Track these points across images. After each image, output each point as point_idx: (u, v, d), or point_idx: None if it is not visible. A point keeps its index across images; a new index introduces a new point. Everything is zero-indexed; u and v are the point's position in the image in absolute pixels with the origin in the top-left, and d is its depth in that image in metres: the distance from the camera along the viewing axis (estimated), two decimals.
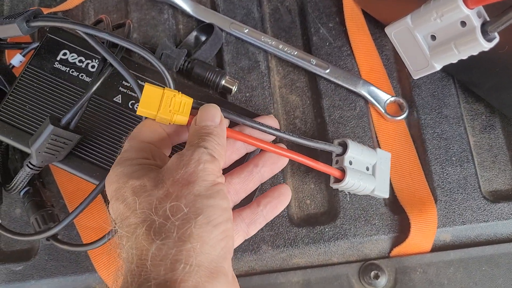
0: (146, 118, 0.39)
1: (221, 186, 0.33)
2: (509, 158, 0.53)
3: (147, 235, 0.29)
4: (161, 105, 0.36)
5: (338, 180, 0.45)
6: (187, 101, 0.37)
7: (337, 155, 0.47)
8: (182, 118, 0.37)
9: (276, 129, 0.43)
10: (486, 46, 0.34)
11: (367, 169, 0.47)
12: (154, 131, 0.38)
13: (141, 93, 0.43)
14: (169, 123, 0.37)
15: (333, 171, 0.45)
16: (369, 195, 0.50)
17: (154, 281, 0.28)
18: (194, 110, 0.38)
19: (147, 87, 0.36)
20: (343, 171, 0.45)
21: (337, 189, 0.51)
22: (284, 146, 0.44)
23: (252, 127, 0.42)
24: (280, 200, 0.43)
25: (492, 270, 0.49)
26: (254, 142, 0.41)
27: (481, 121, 0.55)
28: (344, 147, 0.47)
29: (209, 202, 0.31)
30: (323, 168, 0.44)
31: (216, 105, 0.38)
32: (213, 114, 0.37)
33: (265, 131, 0.42)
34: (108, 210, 0.34)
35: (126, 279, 0.29)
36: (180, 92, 0.37)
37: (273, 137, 0.45)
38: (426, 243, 0.50)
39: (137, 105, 0.47)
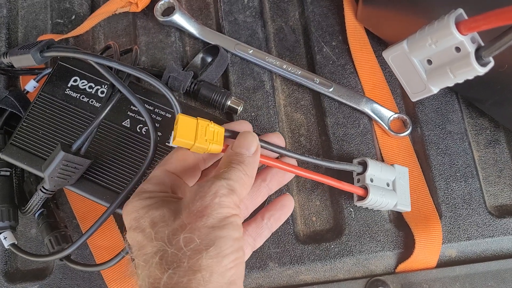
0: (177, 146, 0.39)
1: (235, 218, 0.34)
2: None
3: (160, 264, 0.31)
4: (197, 135, 0.37)
5: (362, 198, 0.47)
6: (220, 130, 0.38)
7: (358, 173, 0.49)
8: (217, 147, 0.38)
9: (299, 153, 0.44)
10: (481, 71, 0.34)
11: (388, 185, 0.49)
12: (184, 160, 0.40)
13: (150, 118, 0.45)
14: (204, 152, 0.38)
15: (356, 190, 0.47)
16: (386, 210, 0.52)
17: None
18: (226, 138, 0.39)
19: (182, 117, 0.37)
20: (365, 189, 0.47)
21: (343, 206, 0.52)
22: (295, 162, 0.47)
23: (284, 154, 0.44)
24: (284, 212, 0.46)
25: (498, 285, 0.49)
26: (282, 166, 0.42)
27: (485, 136, 0.55)
28: (364, 165, 0.49)
29: (221, 233, 0.32)
30: (346, 187, 0.46)
31: (255, 134, 0.39)
32: (249, 143, 0.38)
33: (292, 157, 0.44)
34: (125, 238, 0.36)
35: None
36: (212, 121, 0.38)
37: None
38: (431, 259, 0.50)
39: (145, 128, 0.49)
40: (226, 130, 0.39)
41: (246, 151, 0.37)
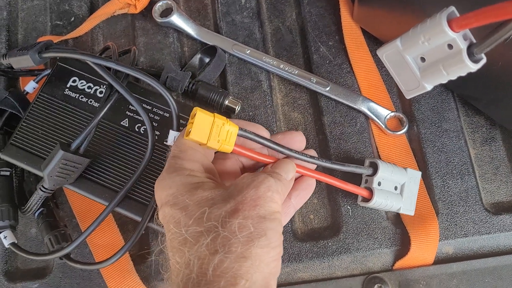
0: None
1: (280, 215, 0.35)
2: (511, 169, 0.54)
3: (211, 245, 0.31)
4: (211, 134, 0.36)
5: (366, 200, 0.48)
6: (234, 130, 0.38)
7: (368, 175, 0.49)
8: (228, 148, 0.38)
9: (311, 157, 0.44)
10: (473, 67, 0.35)
11: (396, 188, 0.50)
12: (201, 161, 0.39)
13: (147, 117, 0.45)
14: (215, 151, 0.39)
15: (361, 192, 0.48)
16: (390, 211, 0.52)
17: None
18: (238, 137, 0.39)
19: (200, 114, 0.36)
20: (371, 191, 0.47)
21: (340, 204, 0.52)
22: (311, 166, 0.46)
23: (299, 159, 0.43)
24: (308, 191, 0.47)
25: (495, 282, 0.49)
26: (300, 171, 0.43)
27: (481, 134, 0.55)
28: (375, 167, 0.49)
29: (271, 225, 0.33)
30: (351, 188, 0.47)
31: (293, 164, 0.41)
32: (289, 169, 0.40)
33: (306, 161, 0.44)
34: (157, 214, 0.37)
35: (184, 285, 0.31)
36: (229, 120, 0.38)
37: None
38: (428, 255, 0.50)
39: (143, 128, 0.49)
40: (240, 129, 0.39)
41: (284, 174, 0.39)
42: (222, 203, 0.33)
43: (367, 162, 0.50)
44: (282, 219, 0.42)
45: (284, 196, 0.38)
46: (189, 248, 0.32)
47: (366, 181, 0.49)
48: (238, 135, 0.38)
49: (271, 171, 0.39)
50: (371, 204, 0.47)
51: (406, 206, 0.49)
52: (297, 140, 0.46)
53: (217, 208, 0.33)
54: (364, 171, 0.49)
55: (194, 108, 0.36)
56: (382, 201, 0.47)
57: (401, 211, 0.49)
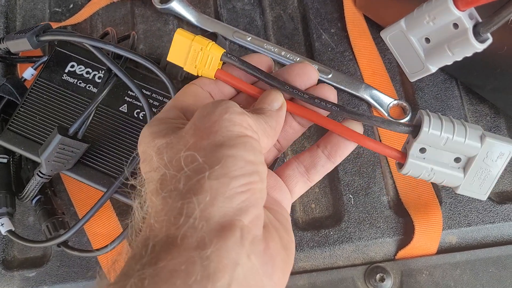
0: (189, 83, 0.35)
1: (250, 139, 0.28)
2: None
3: (158, 190, 0.27)
4: (188, 58, 0.33)
5: (400, 165, 0.35)
6: (217, 54, 0.33)
7: (411, 134, 0.33)
8: (208, 73, 0.34)
9: (320, 100, 0.34)
10: (479, 47, 0.34)
11: (457, 160, 0.34)
12: (196, 94, 0.34)
13: (147, 102, 0.45)
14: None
15: (389, 152, 0.34)
16: None
17: (154, 239, 0.25)
18: (227, 64, 0.34)
19: (177, 36, 0.33)
20: (406, 155, 0.34)
21: (342, 193, 0.52)
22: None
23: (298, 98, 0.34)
24: (346, 142, 0.35)
25: (499, 271, 0.48)
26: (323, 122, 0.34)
27: (485, 122, 0.54)
28: (419, 125, 0.32)
29: (230, 152, 0.26)
30: (376, 146, 0.34)
31: (279, 92, 0.33)
32: (272, 99, 0.32)
33: (314, 105, 0.34)
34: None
35: (136, 244, 0.27)
36: (212, 43, 0.34)
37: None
38: (431, 245, 0.50)
39: (142, 114, 0.48)
40: (224, 53, 0.34)
41: (268, 106, 0.32)
42: (176, 143, 0.28)
43: (417, 114, 0.33)
44: (304, 169, 0.36)
45: (271, 132, 0.31)
46: (144, 201, 0.28)
47: (408, 141, 0.34)
48: (221, 59, 0.34)
49: (254, 109, 0.32)
50: (403, 172, 0.34)
51: (470, 186, 0.35)
52: (305, 74, 0.35)
53: (170, 149, 0.28)
54: (400, 129, 0.33)
55: (177, 29, 0.34)
56: (422, 173, 0.34)
57: (458, 191, 0.35)
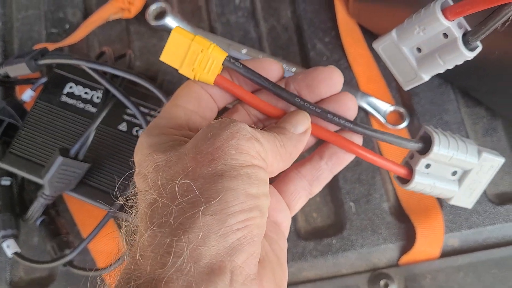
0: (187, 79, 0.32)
1: (255, 168, 0.25)
2: None
3: (149, 218, 0.24)
4: (186, 58, 0.30)
5: (404, 181, 0.35)
6: (218, 57, 0.30)
7: (417, 151, 0.35)
8: (207, 78, 0.31)
9: (331, 114, 0.32)
10: (469, 55, 0.34)
11: (454, 173, 0.36)
12: (199, 98, 0.31)
13: (145, 120, 0.45)
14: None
15: (397, 169, 0.34)
16: None
17: (137, 281, 0.23)
18: (228, 69, 0.31)
19: (174, 34, 0.30)
20: (411, 170, 0.35)
21: (343, 201, 0.52)
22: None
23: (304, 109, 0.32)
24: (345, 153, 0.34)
25: (502, 273, 0.49)
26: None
27: (482, 125, 0.55)
28: (427, 143, 0.34)
29: (230, 185, 0.24)
30: (383, 163, 0.34)
31: (307, 115, 0.30)
32: (297, 120, 0.30)
33: (339, 124, 0.32)
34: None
35: (119, 279, 0.24)
36: (213, 45, 0.31)
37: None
38: (434, 249, 0.50)
39: (142, 131, 0.49)
40: (228, 58, 0.31)
41: (291, 127, 0.29)
42: (175, 163, 0.25)
43: (421, 131, 0.35)
44: (307, 182, 0.34)
45: (285, 154, 0.28)
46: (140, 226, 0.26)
47: (412, 156, 0.35)
48: (223, 64, 0.31)
49: (275, 126, 0.30)
50: (407, 188, 0.35)
51: (461, 197, 0.37)
52: (331, 80, 0.33)
53: (168, 168, 0.25)
54: (411, 146, 0.34)
55: (175, 27, 0.31)
56: (425, 188, 0.35)
57: (451, 202, 0.37)
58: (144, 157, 0.27)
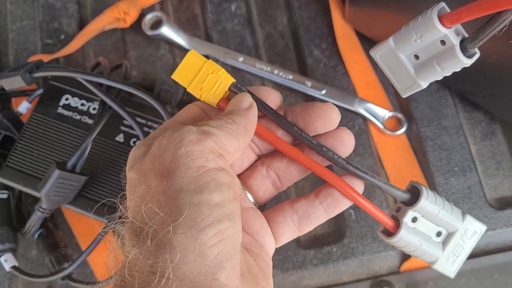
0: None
1: (212, 173, 0.25)
2: None
3: (130, 240, 0.25)
4: (196, 79, 0.32)
5: (388, 233, 0.34)
6: (226, 82, 0.32)
7: (403, 202, 0.34)
8: (212, 99, 0.32)
9: (330, 152, 0.32)
10: (467, 62, 0.34)
11: (439, 234, 0.35)
12: (195, 114, 0.32)
13: (141, 131, 0.45)
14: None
15: (384, 219, 0.33)
16: None
17: None
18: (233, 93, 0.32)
19: (190, 55, 0.32)
20: (398, 223, 0.33)
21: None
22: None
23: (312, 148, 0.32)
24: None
25: (504, 278, 0.48)
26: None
27: (481, 129, 0.55)
28: (415, 195, 0.33)
29: (191, 199, 0.24)
30: (371, 209, 0.32)
31: (247, 94, 0.31)
32: (239, 100, 0.30)
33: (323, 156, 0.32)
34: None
35: None
36: (223, 70, 0.32)
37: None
38: None
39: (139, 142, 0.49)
40: (234, 84, 0.32)
41: (236, 106, 0.30)
42: (138, 184, 0.26)
43: (409, 185, 0.34)
44: (297, 218, 0.33)
45: (238, 129, 0.28)
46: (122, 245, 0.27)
47: (399, 209, 0.34)
48: (229, 89, 0.32)
49: (222, 113, 0.30)
50: (392, 241, 0.33)
51: (445, 262, 0.35)
52: (327, 117, 0.33)
53: (133, 192, 0.26)
54: (399, 194, 0.33)
55: (191, 50, 0.33)
56: (410, 244, 0.33)
57: (435, 266, 0.35)
58: (127, 171, 0.27)
